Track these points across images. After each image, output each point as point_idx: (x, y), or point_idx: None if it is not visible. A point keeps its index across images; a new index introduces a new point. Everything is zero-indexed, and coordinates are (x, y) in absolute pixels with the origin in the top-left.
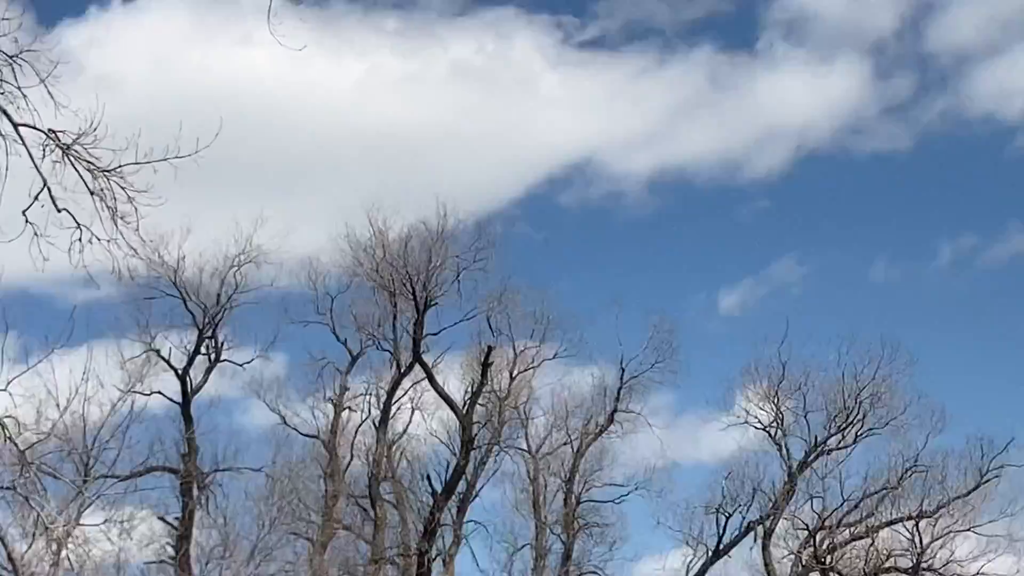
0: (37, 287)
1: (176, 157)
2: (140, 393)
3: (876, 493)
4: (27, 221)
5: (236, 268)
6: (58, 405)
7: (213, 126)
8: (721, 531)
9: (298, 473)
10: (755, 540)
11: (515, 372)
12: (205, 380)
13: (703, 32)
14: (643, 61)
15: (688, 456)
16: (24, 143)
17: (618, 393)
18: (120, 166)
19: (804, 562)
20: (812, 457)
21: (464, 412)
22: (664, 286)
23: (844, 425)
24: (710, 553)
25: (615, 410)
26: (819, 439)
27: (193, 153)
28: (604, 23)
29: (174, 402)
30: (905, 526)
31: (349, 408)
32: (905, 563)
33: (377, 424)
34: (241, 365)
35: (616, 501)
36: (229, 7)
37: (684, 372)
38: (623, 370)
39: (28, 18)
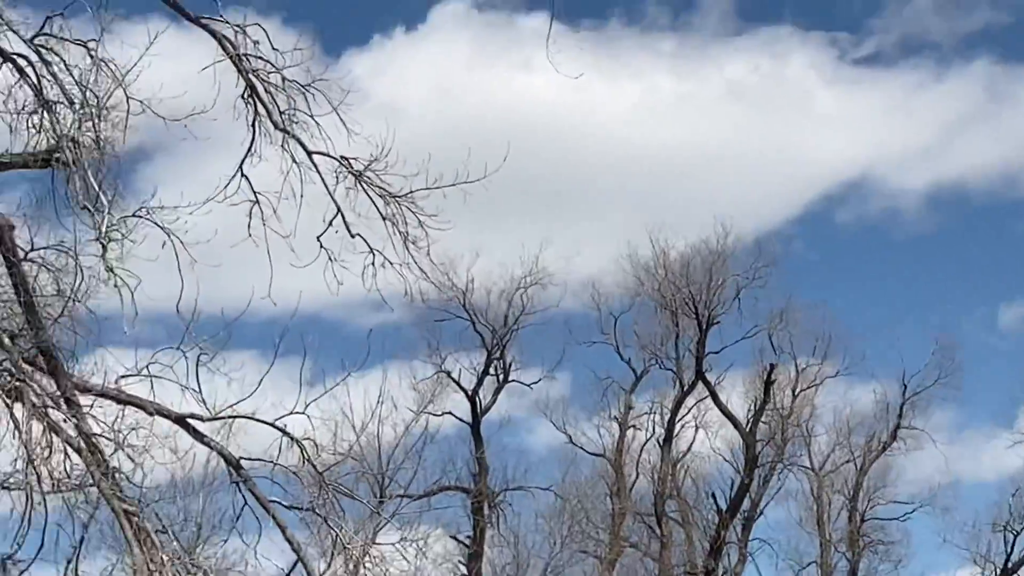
0: (328, 311)
1: (465, 182)
2: (432, 414)
3: None
4: (322, 247)
5: (523, 290)
6: (354, 427)
7: (496, 151)
8: (1009, 549)
9: (585, 491)
10: None
11: (797, 390)
12: (494, 400)
13: (980, 44)
14: (919, 75)
15: (970, 473)
16: (318, 170)
17: (900, 410)
18: (411, 191)
19: None
20: None
21: (747, 430)
22: (943, 301)
23: None
24: (998, 571)
25: (898, 427)
26: None
27: (482, 178)
28: (879, 38)
29: (464, 422)
30: None
31: (634, 426)
32: None
33: (661, 442)
34: (529, 385)
35: (901, 519)
36: (509, 33)
37: (966, 388)
38: (905, 386)
39: (316, 49)
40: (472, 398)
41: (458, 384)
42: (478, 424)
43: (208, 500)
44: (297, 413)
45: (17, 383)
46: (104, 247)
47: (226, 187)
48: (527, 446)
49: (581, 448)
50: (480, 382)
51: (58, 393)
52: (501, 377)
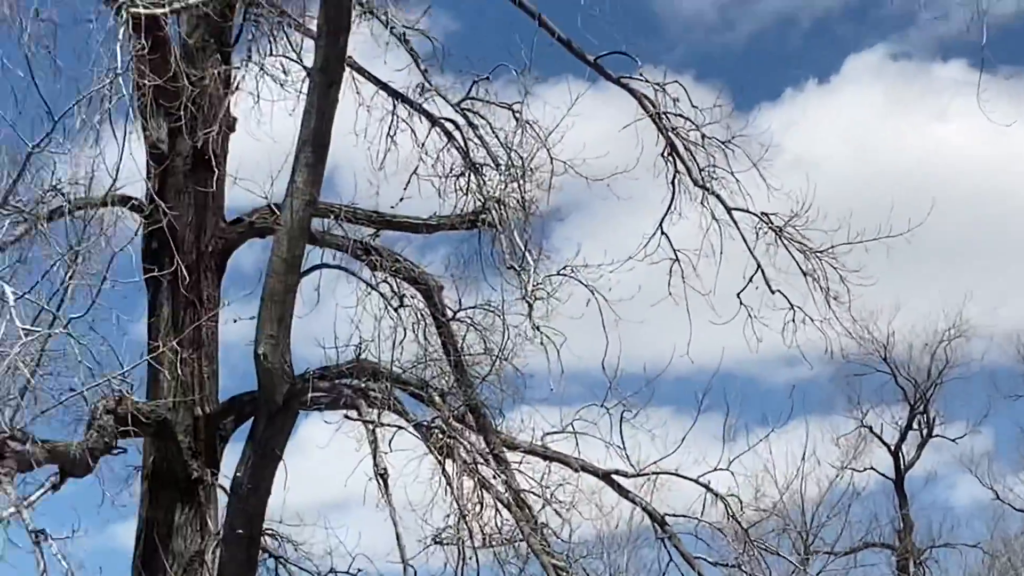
0: (741, 367)
1: (888, 236)
2: (854, 469)
3: None
4: (741, 303)
5: (946, 343)
6: (776, 482)
7: (914, 202)
8: None
9: (1015, 548)
10: None
11: None
12: (918, 456)
13: None
14: None
15: None
16: (738, 227)
17: None
18: (832, 247)
19: None
20: None
21: None
22: None
23: None
24: None
25: None
26: None
27: (905, 232)
28: None
29: (887, 478)
30: None
31: None
32: None
33: None
34: (953, 440)
35: None
36: (923, 81)
37: None
38: None
39: (729, 106)
40: (895, 453)
41: (880, 439)
42: (902, 480)
43: (633, 555)
44: (721, 469)
45: (449, 440)
46: (530, 306)
47: (646, 245)
48: (951, 502)
49: (1009, 504)
50: (903, 437)
51: (487, 450)
52: (925, 432)
